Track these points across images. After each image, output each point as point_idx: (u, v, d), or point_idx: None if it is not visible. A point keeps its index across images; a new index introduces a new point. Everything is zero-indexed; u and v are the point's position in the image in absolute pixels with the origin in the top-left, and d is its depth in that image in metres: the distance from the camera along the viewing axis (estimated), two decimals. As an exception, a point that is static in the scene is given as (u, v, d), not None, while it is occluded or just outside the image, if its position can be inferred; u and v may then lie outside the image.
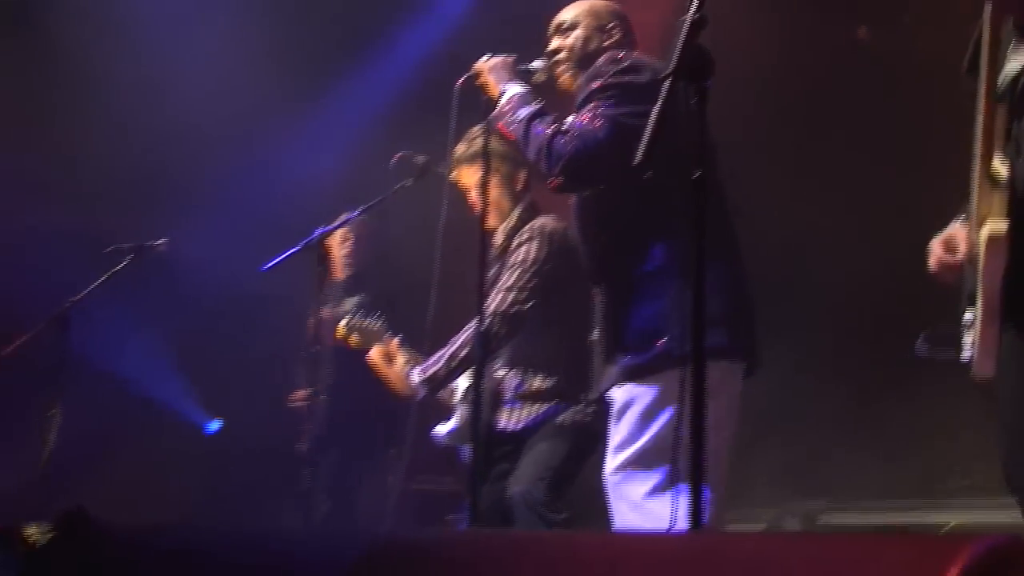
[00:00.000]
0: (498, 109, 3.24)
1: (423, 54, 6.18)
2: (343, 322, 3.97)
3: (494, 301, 3.69)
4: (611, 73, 3.09)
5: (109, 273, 4.67)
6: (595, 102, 3.06)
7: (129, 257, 4.62)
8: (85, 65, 5.85)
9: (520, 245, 3.81)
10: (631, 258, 3.07)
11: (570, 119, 3.10)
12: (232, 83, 5.94)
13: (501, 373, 3.87)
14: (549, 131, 3.06)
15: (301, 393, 4.81)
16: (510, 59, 3.34)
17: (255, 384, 5.76)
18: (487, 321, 3.55)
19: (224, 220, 6.08)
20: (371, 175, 4.26)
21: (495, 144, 3.46)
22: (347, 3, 6.25)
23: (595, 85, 3.09)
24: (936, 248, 2.46)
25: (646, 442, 2.93)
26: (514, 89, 3.24)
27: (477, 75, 3.33)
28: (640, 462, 2.94)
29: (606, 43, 3.31)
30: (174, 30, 5.99)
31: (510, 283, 3.73)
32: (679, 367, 2.36)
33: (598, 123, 3.01)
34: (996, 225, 2.16)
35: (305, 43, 6.22)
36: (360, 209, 4.08)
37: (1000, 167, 2.22)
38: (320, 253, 4.11)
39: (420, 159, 3.90)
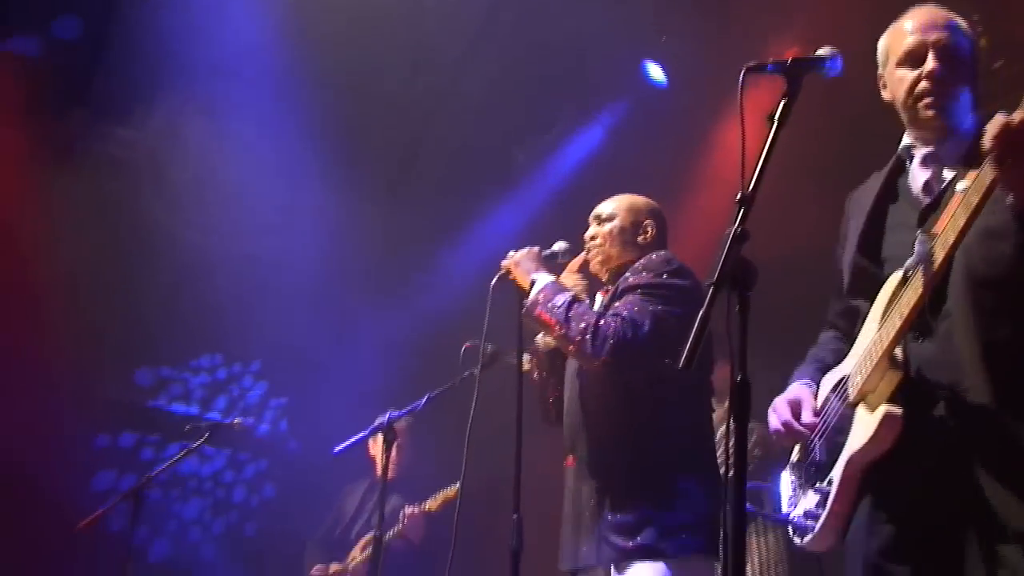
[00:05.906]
0: (532, 298, 3.29)
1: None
2: None
3: None
4: (662, 272, 3.20)
5: (186, 451, 4.76)
6: (643, 295, 3.16)
7: (206, 435, 4.68)
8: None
9: None
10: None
11: (618, 304, 3.18)
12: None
13: None
14: (594, 313, 3.14)
15: None
16: (535, 249, 3.46)
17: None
18: None
19: (300, 402, 6.22)
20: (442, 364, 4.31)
21: None
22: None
23: (644, 279, 3.20)
24: (782, 409, 2.35)
25: None
26: (544, 278, 3.32)
27: (507, 272, 3.44)
28: None
29: (639, 238, 3.44)
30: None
31: None
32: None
33: (645, 315, 3.09)
34: (895, 408, 2.16)
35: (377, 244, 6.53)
36: (427, 396, 4.14)
37: (897, 350, 2.19)
38: (389, 438, 4.15)
39: (489, 348, 3.97)
